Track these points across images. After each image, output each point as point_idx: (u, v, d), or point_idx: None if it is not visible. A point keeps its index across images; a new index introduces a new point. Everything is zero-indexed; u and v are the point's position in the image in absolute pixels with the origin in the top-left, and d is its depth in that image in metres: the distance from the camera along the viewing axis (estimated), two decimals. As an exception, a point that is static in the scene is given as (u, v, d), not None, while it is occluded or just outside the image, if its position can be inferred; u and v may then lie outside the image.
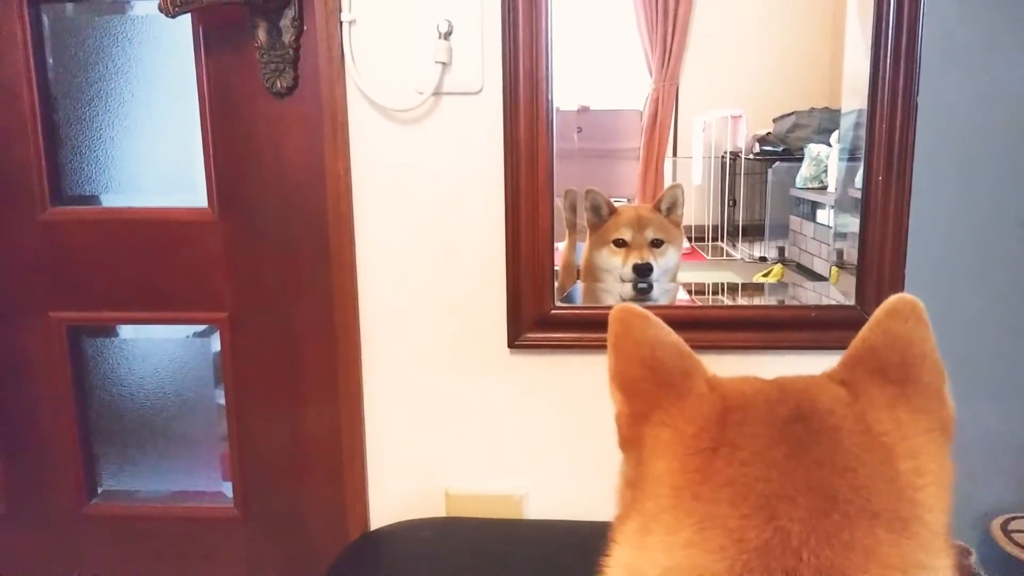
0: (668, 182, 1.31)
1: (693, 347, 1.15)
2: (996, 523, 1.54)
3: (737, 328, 1.13)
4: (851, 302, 1.13)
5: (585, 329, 1.17)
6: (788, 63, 1.23)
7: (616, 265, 1.25)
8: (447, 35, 1.10)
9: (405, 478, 1.26)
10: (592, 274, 1.29)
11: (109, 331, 1.35)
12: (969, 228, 1.39)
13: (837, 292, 1.20)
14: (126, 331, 1.35)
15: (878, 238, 1.09)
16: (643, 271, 1.25)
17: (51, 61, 1.23)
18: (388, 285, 1.20)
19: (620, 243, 1.26)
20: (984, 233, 1.46)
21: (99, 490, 1.37)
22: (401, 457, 1.25)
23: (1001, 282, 1.48)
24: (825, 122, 1.19)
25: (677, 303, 1.29)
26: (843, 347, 1.15)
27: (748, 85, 1.26)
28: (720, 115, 1.28)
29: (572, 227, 1.32)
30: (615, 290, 1.28)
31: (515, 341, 1.17)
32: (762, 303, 1.29)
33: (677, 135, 1.28)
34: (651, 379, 0.55)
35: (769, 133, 1.27)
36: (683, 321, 1.16)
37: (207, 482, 1.37)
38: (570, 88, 1.19)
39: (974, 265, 1.46)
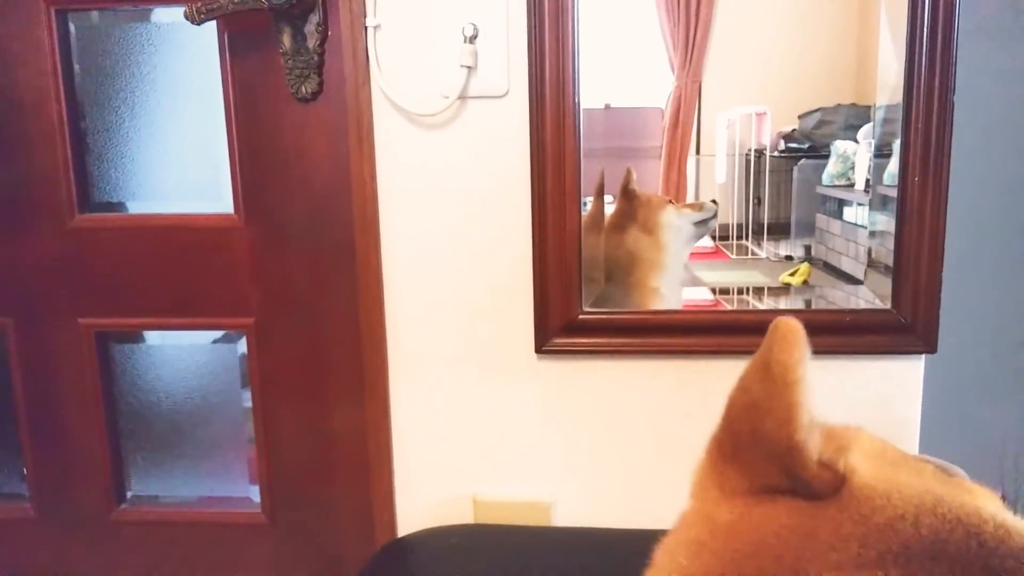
0: (691, 181, 1.29)
1: (717, 352, 1.14)
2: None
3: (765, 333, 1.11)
4: (882, 304, 1.11)
5: (614, 334, 1.15)
6: (813, 59, 1.21)
7: (692, 216, 1.24)
8: (472, 39, 1.09)
9: (432, 484, 1.25)
10: (638, 259, 1.26)
11: (137, 337, 1.35)
12: (1007, 229, 1.36)
13: (868, 292, 1.18)
14: (153, 336, 1.36)
15: (914, 240, 1.06)
16: (715, 203, 1.27)
17: (78, 69, 1.23)
18: (414, 290, 1.20)
19: (672, 203, 1.26)
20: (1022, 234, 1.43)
21: (128, 495, 1.37)
22: (428, 463, 1.25)
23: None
24: (851, 118, 1.17)
25: (701, 305, 1.27)
26: (878, 351, 1.13)
27: (772, 82, 1.24)
28: (744, 112, 1.27)
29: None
30: (680, 251, 1.25)
31: (543, 346, 1.16)
32: (789, 306, 1.26)
33: (700, 133, 1.27)
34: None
35: (794, 130, 1.25)
36: (707, 326, 1.16)
37: (235, 487, 1.37)
38: (592, 86, 1.18)
39: (1012, 266, 1.43)
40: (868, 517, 0.38)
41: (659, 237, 1.26)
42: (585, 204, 1.28)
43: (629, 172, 1.25)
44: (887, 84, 1.08)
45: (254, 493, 1.34)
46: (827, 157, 1.23)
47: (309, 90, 1.16)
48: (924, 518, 0.37)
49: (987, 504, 0.39)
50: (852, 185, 1.21)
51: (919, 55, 1.03)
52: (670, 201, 1.26)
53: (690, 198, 1.30)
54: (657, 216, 1.25)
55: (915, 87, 1.04)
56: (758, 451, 0.41)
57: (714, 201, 1.27)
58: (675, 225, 1.25)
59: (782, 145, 1.26)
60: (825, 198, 1.25)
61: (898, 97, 1.07)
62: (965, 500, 0.39)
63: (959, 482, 0.42)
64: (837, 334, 1.10)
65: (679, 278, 1.27)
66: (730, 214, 1.28)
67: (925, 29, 1.03)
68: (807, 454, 0.40)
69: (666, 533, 0.46)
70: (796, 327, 0.41)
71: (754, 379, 0.42)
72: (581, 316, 1.15)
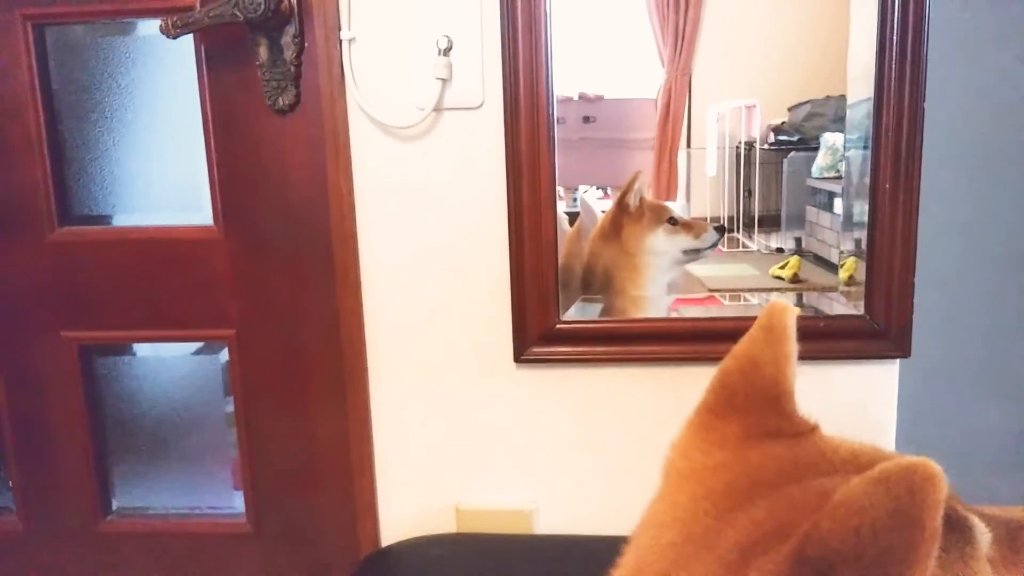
0: (683, 173, 1.29)
1: (695, 359, 1.14)
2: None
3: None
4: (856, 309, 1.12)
5: (591, 343, 1.16)
6: (802, 51, 1.21)
7: (683, 243, 1.21)
8: (447, 51, 1.10)
9: (415, 494, 1.26)
10: (615, 276, 1.25)
11: (120, 349, 1.35)
12: (979, 234, 1.37)
13: (842, 298, 1.18)
14: (136, 348, 1.36)
15: (886, 249, 1.07)
16: (722, 230, 1.24)
17: (55, 81, 1.23)
18: (393, 301, 1.20)
19: (673, 222, 1.23)
20: (996, 237, 1.44)
21: (114, 506, 1.38)
22: (410, 473, 1.25)
23: (1016, 285, 1.46)
24: (841, 110, 1.17)
25: (694, 299, 1.26)
26: (852, 357, 1.14)
27: (762, 74, 1.24)
28: (734, 105, 1.27)
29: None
30: (660, 276, 1.24)
31: (521, 356, 1.17)
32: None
33: (691, 126, 1.27)
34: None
35: (784, 122, 1.25)
36: (685, 333, 1.16)
37: (220, 498, 1.37)
38: (584, 77, 1.19)
39: (986, 270, 1.44)
40: (835, 449, 0.47)
41: (638, 261, 1.24)
42: (575, 199, 1.28)
43: (634, 178, 1.23)
44: (862, 78, 1.08)
45: (239, 503, 1.34)
46: (817, 149, 1.23)
47: (286, 102, 1.16)
48: (878, 460, 0.44)
49: None
50: (841, 177, 1.21)
51: (889, 62, 1.04)
52: (670, 219, 1.23)
53: (681, 191, 1.29)
54: (642, 238, 1.22)
55: (884, 95, 1.04)
56: (754, 397, 0.50)
57: (719, 228, 1.25)
58: (659, 251, 1.23)
59: (772, 138, 1.26)
60: (815, 190, 1.25)
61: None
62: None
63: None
64: (812, 340, 1.10)
65: (664, 287, 1.27)
66: (721, 207, 1.28)
67: (895, 34, 1.04)
68: (794, 397, 0.50)
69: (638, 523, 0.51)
70: (787, 304, 0.51)
71: (751, 340, 0.51)
72: (558, 325, 1.15)
